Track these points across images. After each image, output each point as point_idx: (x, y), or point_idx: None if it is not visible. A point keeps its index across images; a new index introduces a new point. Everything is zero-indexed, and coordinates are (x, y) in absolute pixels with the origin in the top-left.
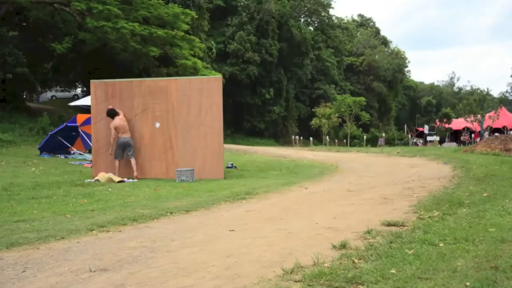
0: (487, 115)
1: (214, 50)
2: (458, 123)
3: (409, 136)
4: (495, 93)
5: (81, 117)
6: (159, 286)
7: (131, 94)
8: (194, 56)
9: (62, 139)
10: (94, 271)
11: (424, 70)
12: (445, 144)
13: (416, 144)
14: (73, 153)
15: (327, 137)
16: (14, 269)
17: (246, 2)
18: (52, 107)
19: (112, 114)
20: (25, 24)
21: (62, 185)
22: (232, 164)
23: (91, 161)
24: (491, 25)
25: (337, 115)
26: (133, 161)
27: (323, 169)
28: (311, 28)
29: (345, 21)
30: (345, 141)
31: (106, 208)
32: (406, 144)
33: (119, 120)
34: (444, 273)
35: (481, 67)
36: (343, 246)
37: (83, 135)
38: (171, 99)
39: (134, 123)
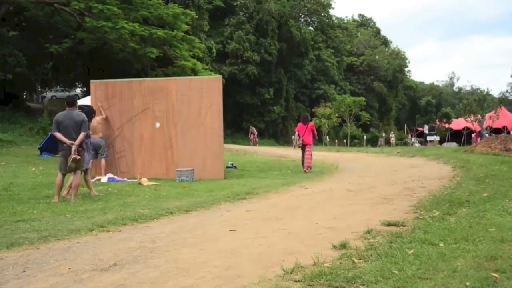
0: (487, 115)
1: (214, 50)
2: (458, 123)
3: (409, 136)
4: (495, 93)
5: None
6: (159, 286)
7: (131, 94)
8: (193, 57)
9: None
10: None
11: (425, 68)
12: (445, 144)
13: (412, 144)
14: None
15: (327, 137)
16: (14, 269)
17: (243, 1)
18: (52, 107)
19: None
20: (25, 24)
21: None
22: (232, 164)
23: None
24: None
25: (337, 115)
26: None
27: (323, 169)
28: (311, 28)
29: (345, 21)
30: (345, 141)
31: (106, 208)
32: (405, 144)
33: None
34: (444, 273)
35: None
36: (343, 246)
37: None
38: (171, 99)
39: (134, 123)
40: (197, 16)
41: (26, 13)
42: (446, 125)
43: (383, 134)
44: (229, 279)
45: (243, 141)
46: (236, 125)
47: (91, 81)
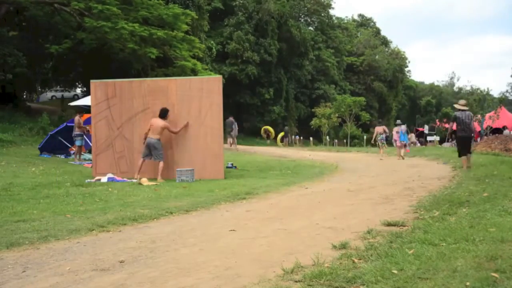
0: (487, 115)
1: (214, 50)
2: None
3: (409, 136)
4: (495, 93)
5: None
6: (159, 286)
7: (131, 94)
8: (193, 57)
9: (62, 139)
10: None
11: (426, 66)
12: (445, 144)
13: (414, 144)
14: (73, 153)
15: (327, 137)
16: (14, 269)
17: (242, 1)
18: (52, 107)
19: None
20: (25, 24)
21: (62, 185)
22: (232, 164)
23: (91, 160)
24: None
25: (337, 115)
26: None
27: (323, 169)
28: (311, 28)
29: (345, 21)
30: (345, 141)
31: (106, 208)
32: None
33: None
34: (444, 273)
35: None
36: (343, 246)
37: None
38: (171, 99)
39: (134, 123)
40: (197, 17)
41: (26, 13)
42: (446, 125)
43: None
44: (229, 279)
45: (243, 141)
46: None
47: (91, 81)
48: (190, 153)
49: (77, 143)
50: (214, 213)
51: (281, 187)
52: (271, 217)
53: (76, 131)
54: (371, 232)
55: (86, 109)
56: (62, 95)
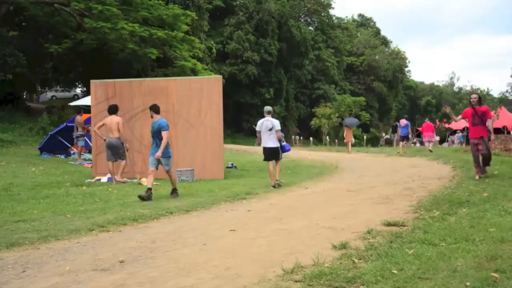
0: None
1: (214, 50)
2: (458, 123)
3: (410, 135)
4: (495, 93)
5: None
6: (159, 286)
7: (131, 94)
8: (193, 57)
9: (62, 139)
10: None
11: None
12: (445, 144)
13: (414, 143)
14: (73, 153)
15: (327, 137)
16: (14, 269)
17: (243, 1)
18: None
19: (110, 110)
20: (25, 24)
21: (62, 185)
22: (232, 164)
23: (91, 160)
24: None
25: (337, 115)
26: (122, 163)
27: (323, 169)
28: (311, 28)
29: (345, 21)
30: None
31: (106, 208)
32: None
33: (109, 119)
34: (444, 273)
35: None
36: (343, 246)
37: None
38: (171, 99)
39: (134, 123)
40: (197, 17)
41: (26, 13)
42: (446, 125)
43: (384, 134)
44: (229, 279)
45: (243, 141)
46: (236, 125)
47: (91, 81)
48: (190, 153)
49: (80, 143)
50: (214, 213)
51: (281, 187)
52: (271, 217)
53: (79, 131)
54: (371, 232)
55: (85, 109)
56: (55, 95)
